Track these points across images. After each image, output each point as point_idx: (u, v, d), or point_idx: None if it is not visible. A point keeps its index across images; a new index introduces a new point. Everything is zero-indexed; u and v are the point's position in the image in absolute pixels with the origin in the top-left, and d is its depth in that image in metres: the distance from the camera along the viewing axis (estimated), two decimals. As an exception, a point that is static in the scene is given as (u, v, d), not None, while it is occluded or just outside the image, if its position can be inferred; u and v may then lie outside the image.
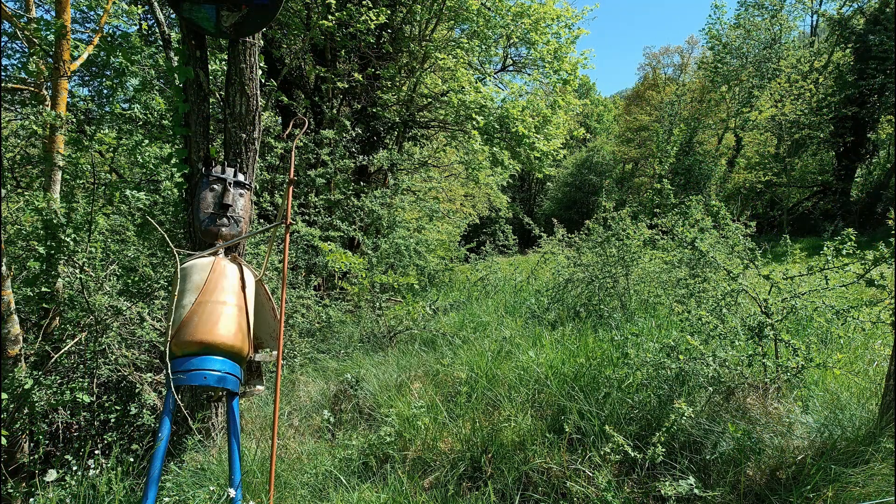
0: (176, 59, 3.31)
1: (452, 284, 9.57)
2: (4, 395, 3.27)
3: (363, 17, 6.85)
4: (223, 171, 2.90)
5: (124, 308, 3.84)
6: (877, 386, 2.88)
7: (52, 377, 3.65)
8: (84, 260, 3.81)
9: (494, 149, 9.43)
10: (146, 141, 4.62)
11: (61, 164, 4.19)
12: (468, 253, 11.26)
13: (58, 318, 4.07)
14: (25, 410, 3.48)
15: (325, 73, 7.85)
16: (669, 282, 5.34)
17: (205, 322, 2.41)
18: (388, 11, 7.59)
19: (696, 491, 2.33)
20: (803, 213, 19.20)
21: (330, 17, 6.55)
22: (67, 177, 4.17)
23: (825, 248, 3.08)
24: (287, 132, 6.58)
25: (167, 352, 2.37)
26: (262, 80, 5.53)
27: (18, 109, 5.71)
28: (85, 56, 4.63)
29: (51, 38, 4.25)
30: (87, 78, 7.02)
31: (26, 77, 4.74)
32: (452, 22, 9.75)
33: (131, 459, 2.96)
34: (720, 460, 2.57)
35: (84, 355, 4.05)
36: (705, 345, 3.07)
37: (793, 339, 3.01)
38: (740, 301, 3.61)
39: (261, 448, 3.21)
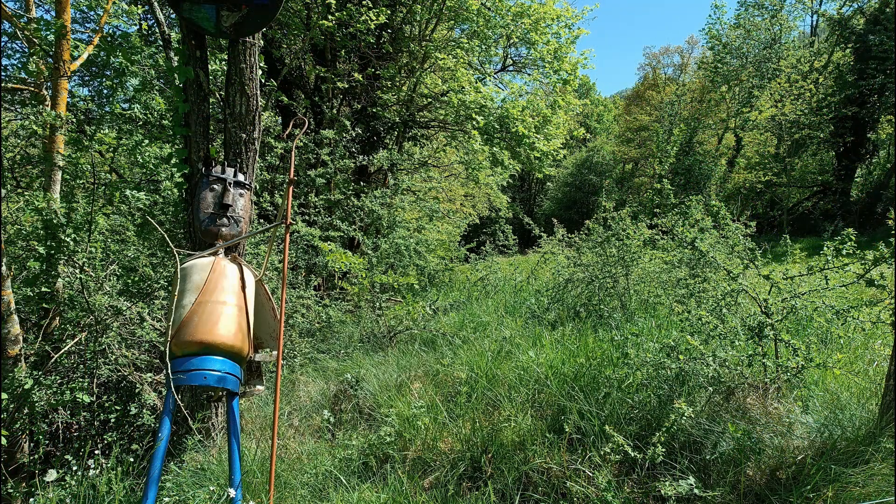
0: (176, 59, 3.31)
1: (452, 284, 9.57)
2: (4, 395, 3.27)
3: (363, 17, 6.85)
4: (223, 171, 2.90)
5: (124, 308, 3.84)
6: (877, 386, 2.88)
7: (52, 377, 3.65)
8: (84, 260, 3.81)
9: (494, 149, 9.43)
10: (146, 141, 4.62)
11: (61, 164, 4.19)
12: (468, 253, 11.26)
13: (58, 318, 4.07)
14: (25, 410, 3.48)
15: (325, 73, 7.85)
16: (669, 282, 5.34)
17: (205, 322, 2.41)
18: (388, 11, 7.59)
19: (696, 491, 2.33)
20: (803, 213, 19.20)
21: (330, 17, 6.55)
22: (67, 177, 4.17)
23: (825, 248, 3.07)
24: (287, 132, 6.58)
25: (167, 352, 2.37)
26: (262, 80, 5.53)
27: (18, 109, 5.71)
28: (85, 56, 4.63)
29: (51, 38, 4.25)
30: (87, 78, 7.03)
31: (26, 77, 4.74)
32: (452, 22, 9.75)
33: (131, 459, 2.96)
34: (720, 460, 2.57)
35: (84, 355, 4.05)
36: (705, 345, 3.07)
37: (793, 339, 3.01)
38: (740, 301, 3.61)
39: (261, 448, 3.21)
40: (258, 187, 6.04)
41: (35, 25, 4.36)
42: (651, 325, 4.36)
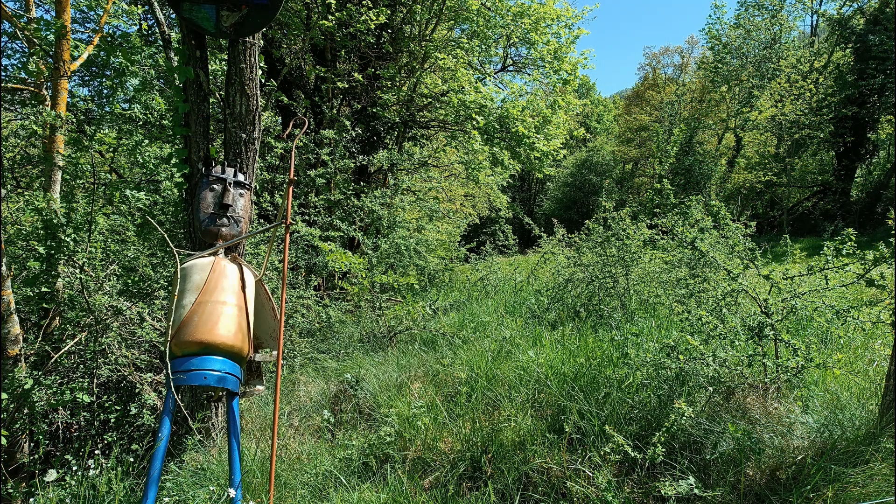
0: (176, 59, 3.31)
1: (452, 284, 9.57)
2: (4, 395, 3.27)
3: (363, 17, 6.85)
4: (223, 171, 2.90)
5: (124, 308, 3.84)
6: (877, 386, 2.88)
7: (52, 377, 3.65)
8: (84, 260, 3.81)
9: (494, 149, 9.43)
10: (146, 141, 4.62)
11: (61, 164, 4.19)
12: (468, 253, 11.26)
13: (58, 318, 4.07)
14: (25, 410, 3.48)
15: (325, 73, 7.85)
16: (669, 282, 5.34)
17: (205, 322, 2.41)
18: (388, 11, 7.59)
19: (696, 491, 2.33)
20: (803, 213, 19.21)
21: (330, 17, 6.55)
22: (67, 177, 4.17)
23: (825, 248, 3.07)
24: (287, 132, 6.58)
25: (167, 352, 2.37)
26: (262, 80, 5.54)
27: (18, 109, 5.71)
28: (85, 56, 4.63)
29: (51, 38, 4.25)
30: (87, 78, 7.03)
31: (26, 77, 4.74)
32: (452, 22, 9.75)
33: (131, 459, 2.96)
34: (720, 460, 2.57)
35: (84, 355, 4.05)
36: (705, 345, 3.07)
37: (793, 339, 3.01)
38: (740, 301, 3.61)
39: (261, 448, 3.21)
40: (258, 187, 6.04)
41: (35, 25, 4.36)
42: (651, 325, 4.36)
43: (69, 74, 4.30)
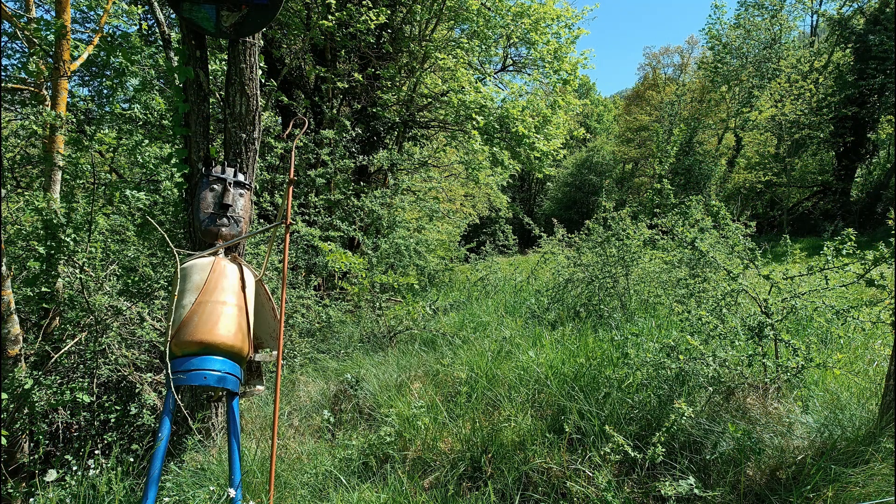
0: (176, 59, 3.31)
1: (452, 284, 9.57)
2: (4, 395, 3.27)
3: (363, 17, 6.85)
4: (223, 171, 2.90)
5: (124, 308, 3.84)
6: (877, 386, 2.88)
7: (52, 377, 3.65)
8: (84, 260, 3.81)
9: (494, 149, 9.43)
10: (146, 141, 4.62)
11: (61, 164, 4.19)
12: (468, 253, 11.26)
13: (58, 318, 4.07)
14: (25, 410, 3.48)
15: (325, 73, 7.85)
16: (669, 282, 5.34)
17: (205, 322, 2.41)
18: (388, 11, 7.59)
19: (696, 491, 2.33)
20: (803, 213, 19.21)
21: (330, 17, 6.55)
22: (67, 177, 4.17)
23: (825, 248, 3.07)
24: (287, 132, 6.58)
25: (167, 352, 2.37)
26: (262, 80, 5.54)
27: (18, 109, 5.71)
28: (85, 56, 4.63)
29: (51, 38, 4.25)
30: (87, 78, 7.03)
31: (26, 77, 4.74)
32: (452, 22, 9.75)
33: (131, 459, 2.96)
34: (720, 460, 2.57)
35: (84, 355, 4.05)
36: (705, 345, 3.07)
37: (793, 339, 3.01)
38: (740, 301, 3.61)
39: (261, 448, 3.21)
40: (258, 187, 6.04)
41: (35, 25, 4.36)
42: (651, 325, 4.36)
43: (69, 74, 4.30)
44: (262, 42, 3.34)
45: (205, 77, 3.17)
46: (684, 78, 31.70)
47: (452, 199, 15.41)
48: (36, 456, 3.57)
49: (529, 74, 10.69)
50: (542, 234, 7.33)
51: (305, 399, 4.21)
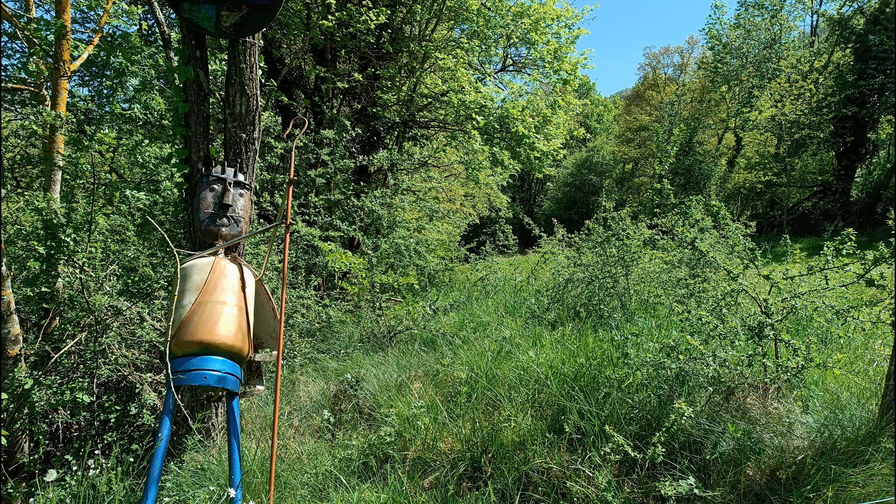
0: (176, 59, 3.31)
1: (452, 284, 9.57)
2: (4, 395, 3.27)
3: (363, 17, 6.85)
4: (223, 171, 2.90)
5: (124, 308, 3.84)
6: (877, 386, 2.88)
7: (52, 377, 3.65)
8: (84, 260, 3.81)
9: (494, 149, 9.43)
10: (146, 141, 4.62)
11: (61, 164, 4.19)
12: (468, 253, 11.26)
13: (58, 318, 4.07)
14: (25, 410, 3.48)
15: (325, 73, 7.85)
16: (669, 282, 5.33)
17: (205, 322, 2.41)
18: (388, 11, 7.59)
19: (696, 491, 2.33)
20: (803, 213, 19.21)
21: (330, 17, 6.55)
22: (67, 177, 4.17)
23: (825, 248, 3.07)
24: (287, 132, 6.58)
25: (167, 352, 2.37)
26: (262, 80, 5.54)
27: (18, 109, 5.71)
28: (85, 56, 4.63)
29: (51, 38, 4.25)
30: (87, 78, 7.03)
31: (26, 77, 4.74)
32: (452, 22, 9.75)
33: (131, 459, 2.96)
34: (720, 460, 2.57)
35: (84, 355, 4.05)
36: (705, 345, 3.07)
37: (793, 339, 3.01)
38: (740, 301, 3.61)
39: (261, 448, 3.21)
40: (258, 187, 6.04)
41: (35, 25, 4.36)
42: (651, 325, 4.36)
43: (69, 74, 4.30)
44: (262, 42, 3.34)
45: (205, 77, 3.17)
46: (684, 78, 31.71)
47: (452, 199, 15.41)
48: (36, 456, 3.57)
49: (529, 74, 10.69)
50: (542, 234, 7.34)
51: (305, 399, 4.21)
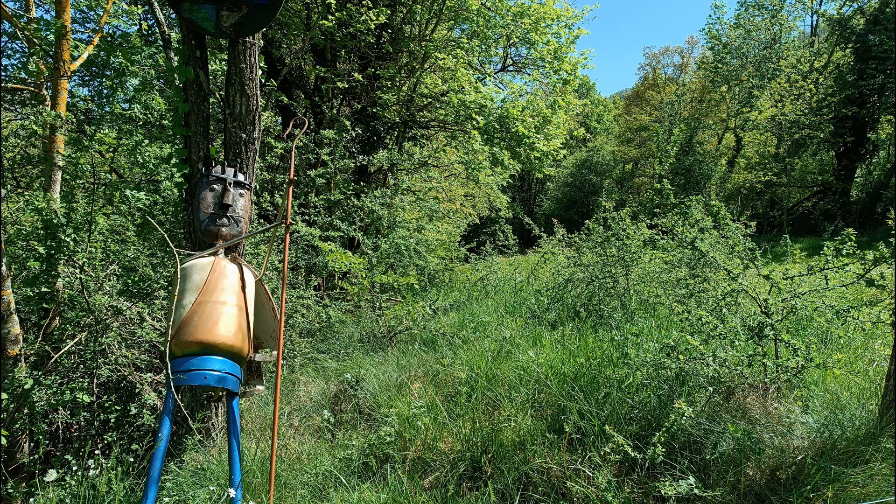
0: (176, 59, 3.31)
1: (452, 284, 9.57)
2: (4, 395, 3.27)
3: (363, 17, 6.85)
4: (223, 171, 2.90)
5: (124, 308, 3.84)
6: (877, 386, 2.88)
7: (52, 377, 3.65)
8: (84, 260, 3.81)
9: (494, 149, 9.43)
10: (146, 141, 4.62)
11: (61, 164, 4.19)
12: (468, 253, 11.27)
13: (58, 318, 4.07)
14: (25, 410, 3.48)
15: (325, 73, 7.85)
16: (669, 282, 5.33)
17: (205, 322, 2.41)
18: (388, 11, 7.59)
19: (696, 491, 2.33)
20: (803, 213, 19.21)
21: (330, 17, 6.55)
22: (67, 177, 4.17)
23: (825, 248, 3.07)
24: (287, 132, 6.58)
25: (167, 352, 2.37)
26: (262, 80, 5.54)
27: (18, 109, 5.71)
28: (85, 56, 4.63)
29: (51, 38, 4.25)
30: (87, 78, 7.03)
31: (26, 77, 4.74)
32: (452, 22, 9.75)
33: (131, 459, 2.96)
34: (720, 460, 2.57)
35: (84, 355, 4.05)
36: (705, 345, 3.07)
37: (793, 339, 3.01)
38: (740, 301, 3.61)
39: (261, 448, 3.21)
40: (258, 187, 6.04)
41: (35, 25, 4.36)
42: (651, 325, 4.36)
43: (69, 74, 4.30)
44: (262, 42, 3.34)
45: (205, 77, 3.17)
46: (684, 78, 31.71)
47: (452, 199, 15.41)
48: (36, 456, 3.57)
49: (529, 74, 10.69)
50: (542, 234, 7.34)
51: (305, 399, 4.21)
